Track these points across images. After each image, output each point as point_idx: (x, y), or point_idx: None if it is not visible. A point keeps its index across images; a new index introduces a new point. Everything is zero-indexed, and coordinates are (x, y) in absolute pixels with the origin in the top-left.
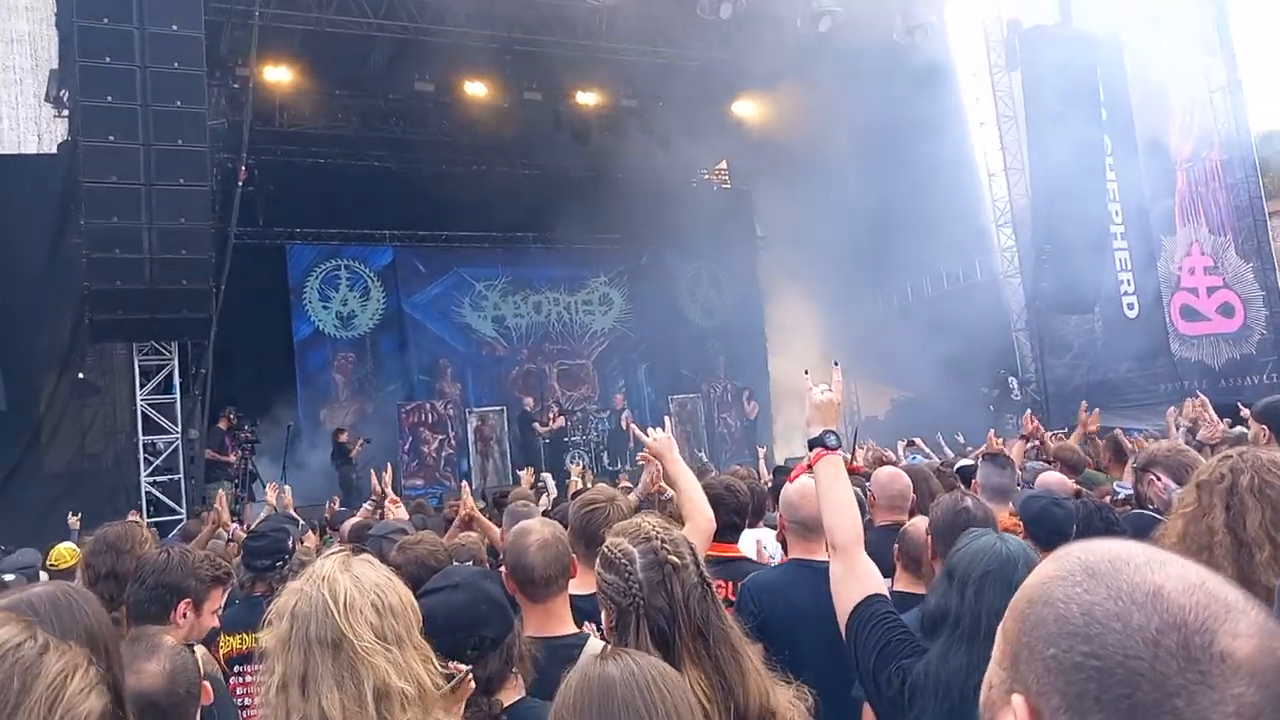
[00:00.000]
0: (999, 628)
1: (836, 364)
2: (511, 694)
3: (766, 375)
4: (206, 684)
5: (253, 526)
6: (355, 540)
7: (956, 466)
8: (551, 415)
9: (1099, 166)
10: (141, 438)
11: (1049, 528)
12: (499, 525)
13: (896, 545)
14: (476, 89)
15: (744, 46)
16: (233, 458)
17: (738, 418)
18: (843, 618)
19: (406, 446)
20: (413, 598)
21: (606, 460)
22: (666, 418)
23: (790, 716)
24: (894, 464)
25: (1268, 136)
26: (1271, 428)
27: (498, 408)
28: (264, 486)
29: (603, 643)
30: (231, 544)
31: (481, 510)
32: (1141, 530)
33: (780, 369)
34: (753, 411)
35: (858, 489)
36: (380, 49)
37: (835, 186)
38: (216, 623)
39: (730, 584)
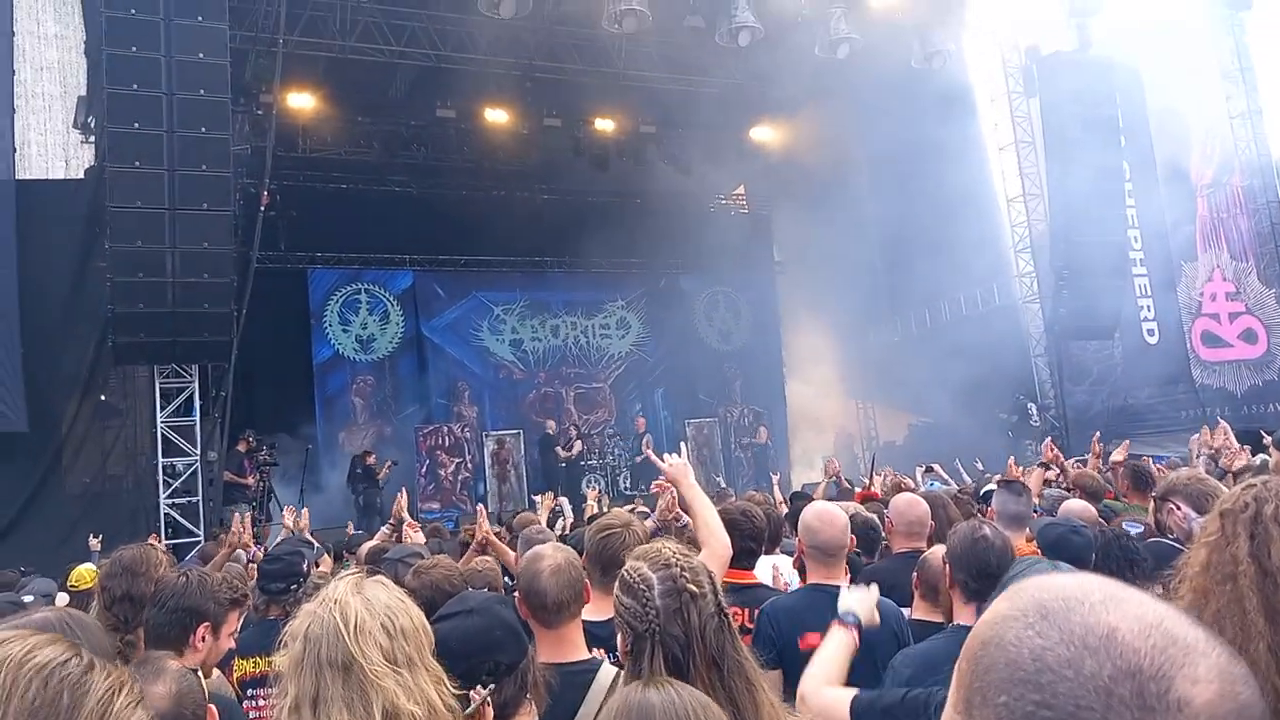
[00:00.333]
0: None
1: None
2: None
3: (784, 400)
4: (212, 707)
5: (269, 549)
6: (371, 564)
7: (981, 491)
8: (572, 439)
9: (1118, 192)
10: (161, 460)
11: (1067, 555)
12: (514, 549)
13: (915, 573)
14: (497, 115)
15: (763, 73)
16: (251, 480)
17: (754, 442)
18: None
19: (423, 470)
20: (425, 620)
21: (623, 484)
22: (683, 443)
23: None
24: (912, 490)
25: None
26: None
27: (514, 431)
28: (281, 509)
29: (615, 669)
30: (251, 565)
31: (498, 534)
32: (1162, 559)
33: (797, 394)
34: (764, 438)
35: (875, 515)
36: (402, 76)
37: (853, 211)
38: (233, 644)
39: (746, 611)
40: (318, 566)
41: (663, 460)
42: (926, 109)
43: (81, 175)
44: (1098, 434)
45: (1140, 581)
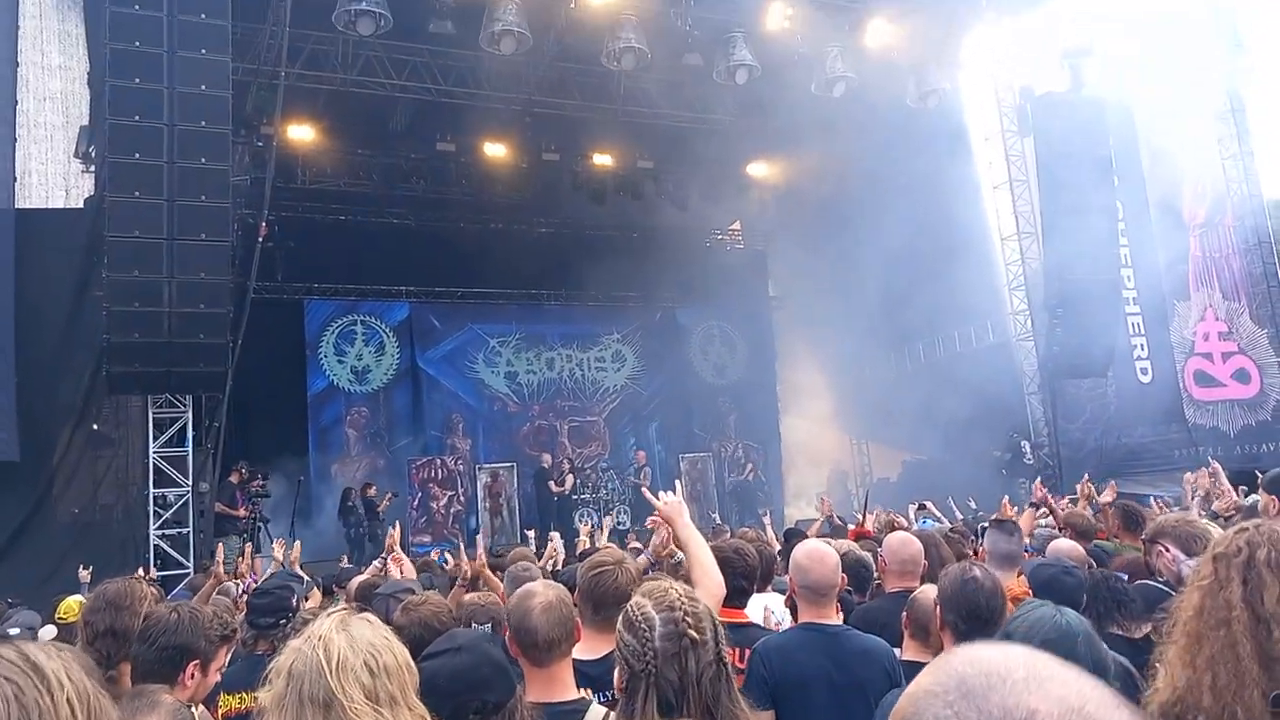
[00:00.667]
0: None
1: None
2: None
3: (778, 435)
4: None
5: (259, 582)
6: (362, 599)
7: (979, 527)
8: (564, 473)
9: (1111, 231)
10: (152, 490)
11: (1059, 597)
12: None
13: (905, 613)
14: (496, 149)
15: (759, 110)
16: (242, 511)
17: (739, 479)
18: None
19: (415, 502)
20: (409, 658)
21: (618, 519)
22: (677, 481)
23: None
24: (905, 528)
25: None
26: None
27: (508, 464)
28: (272, 540)
29: (605, 709)
30: (243, 597)
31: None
32: (1150, 601)
33: (792, 429)
34: (749, 474)
35: (869, 553)
36: (402, 110)
37: (849, 248)
38: (219, 678)
39: (738, 650)
40: (306, 601)
41: (657, 498)
42: (922, 147)
43: (81, 204)
44: (1086, 476)
45: (1129, 623)
